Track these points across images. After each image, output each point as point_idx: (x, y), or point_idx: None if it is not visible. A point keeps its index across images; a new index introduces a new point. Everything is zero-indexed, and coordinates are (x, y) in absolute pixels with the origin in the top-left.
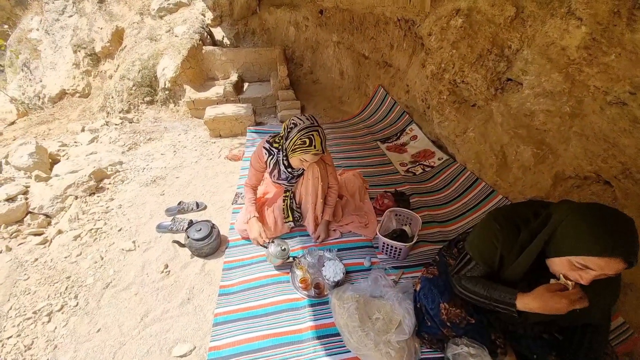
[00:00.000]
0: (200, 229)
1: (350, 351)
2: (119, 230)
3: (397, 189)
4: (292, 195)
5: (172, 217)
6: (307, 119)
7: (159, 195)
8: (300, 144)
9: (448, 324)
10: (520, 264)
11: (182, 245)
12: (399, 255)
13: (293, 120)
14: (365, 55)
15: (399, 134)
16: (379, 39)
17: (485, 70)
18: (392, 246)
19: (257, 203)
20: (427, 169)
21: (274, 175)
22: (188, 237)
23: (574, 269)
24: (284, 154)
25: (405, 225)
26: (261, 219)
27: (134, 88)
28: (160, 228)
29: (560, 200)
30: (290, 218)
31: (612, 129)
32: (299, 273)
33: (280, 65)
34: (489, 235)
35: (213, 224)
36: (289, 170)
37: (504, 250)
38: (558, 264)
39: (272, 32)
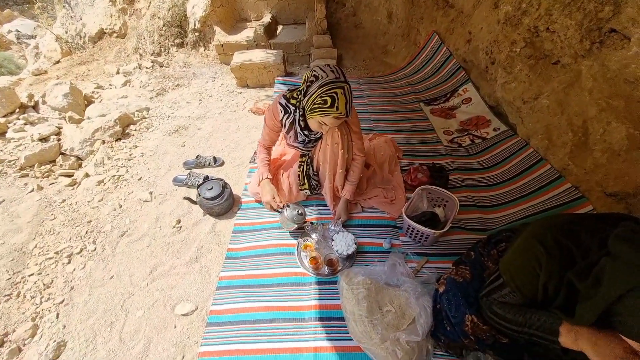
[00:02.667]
0: (212, 188)
1: (352, 339)
2: (139, 179)
3: (436, 163)
4: (309, 160)
5: (189, 170)
6: (333, 71)
7: (179, 146)
8: (320, 104)
9: (472, 337)
10: (579, 315)
11: (194, 202)
12: (425, 240)
13: (315, 71)
14: None
15: (448, 95)
16: None
17: (582, 15)
18: (417, 230)
19: (270, 164)
20: (478, 141)
21: (289, 137)
22: (199, 195)
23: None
24: (300, 112)
25: (439, 206)
26: (275, 182)
27: (164, 28)
28: (176, 181)
29: (625, 233)
30: (306, 186)
31: None
32: (305, 254)
33: (318, 4)
34: (529, 260)
35: (225, 183)
36: (306, 132)
37: (550, 284)
38: (633, 344)
39: None
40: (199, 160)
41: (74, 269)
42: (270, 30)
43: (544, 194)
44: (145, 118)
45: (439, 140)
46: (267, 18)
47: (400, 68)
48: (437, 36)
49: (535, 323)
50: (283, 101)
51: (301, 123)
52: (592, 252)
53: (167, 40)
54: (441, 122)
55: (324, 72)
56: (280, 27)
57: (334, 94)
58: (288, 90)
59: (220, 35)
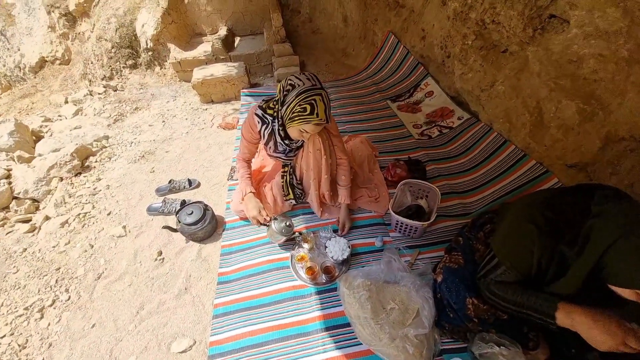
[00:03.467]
0: (192, 212)
1: (362, 343)
2: (109, 214)
3: (411, 156)
4: (291, 170)
5: (163, 197)
6: (308, 78)
7: (148, 173)
8: (300, 112)
9: (475, 320)
10: (568, 283)
11: (174, 230)
12: (414, 233)
13: (290, 80)
14: None
15: (412, 90)
16: None
17: (523, 5)
18: (406, 224)
19: (252, 178)
20: (445, 131)
21: (269, 148)
22: (179, 222)
23: None
24: (279, 122)
25: (422, 198)
26: (258, 196)
27: (113, 50)
28: (150, 210)
29: (603, 199)
30: (291, 195)
31: None
32: (301, 265)
33: (274, 13)
34: (523, 239)
35: (206, 206)
36: (287, 142)
37: (544, 258)
38: (627, 293)
39: None
40: (172, 185)
41: (49, 324)
42: (228, 43)
43: (513, 173)
44: (106, 147)
45: (410, 134)
46: (223, 31)
47: (362, 69)
48: (393, 36)
49: (533, 305)
50: (259, 112)
51: (281, 133)
52: (577, 222)
53: (118, 63)
54: (409, 116)
55: (300, 80)
56: (237, 39)
57: (313, 101)
58: (263, 100)
59: (176, 52)
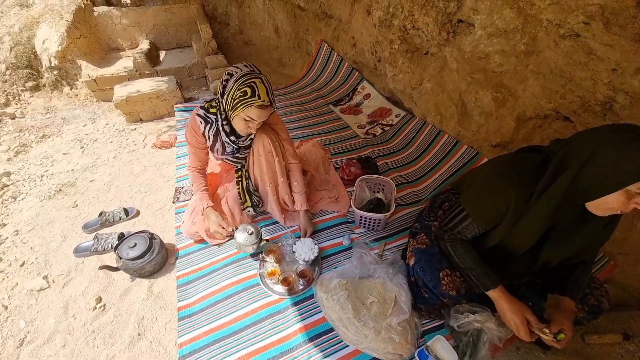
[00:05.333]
0: (136, 244)
1: (348, 345)
2: (22, 265)
3: (361, 155)
4: (246, 174)
5: (94, 233)
6: (246, 66)
7: (70, 208)
8: (240, 96)
9: (450, 293)
10: (535, 220)
11: (115, 269)
12: (378, 225)
13: (228, 70)
14: (301, 6)
15: (351, 94)
16: None
17: (436, 12)
18: (369, 218)
19: (209, 188)
20: (387, 128)
21: (216, 150)
22: (121, 258)
23: (631, 197)
24: (223, 116)
25: (378, 192)
26: (217, 208)
27: (8, 72)
28: (79, 252)
29: (571, 137)
30: (249, 203)
31: (568, 63)
32: (273, 280)
33: (202, 25)
34: (498, 195)
35: (152, 234)
36: (232, 138)
37: (516, 209)
38: (609, 201)
39: None
40: (104, 218)
41: None
42: (152, 57)
43: (450, 158)
44: (8, 185)
45: (357, 134)
46: (144, 45)
47: (300, 77)
48: (326, 44)
49: (478, 275)
50: (201, 112)
51: (226, 128)
52: (547, 161)
53: (14, 86)
54: (352, 118)
55: (238, 68)
56: (163, 53)
57: (252, 84)
58: (205, 101)
59: (89, 70)
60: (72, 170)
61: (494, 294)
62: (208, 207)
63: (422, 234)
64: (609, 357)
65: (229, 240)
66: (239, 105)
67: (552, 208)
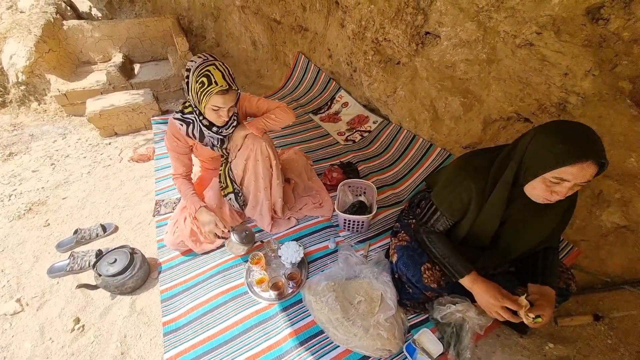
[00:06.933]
0: (116, 260)
1: (339, 346)
2: None
3: (342, 160)
4: (229, 165)
5: (70, 252)
6: (200, 57)
7: (41, 228)
8: (200, 88)
9: (432, 286)
10: (494, 204)
11: (94, 287)
12: (362, 227)
13: (186, 67)
14: (277, 19)
15: (329, 103)
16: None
17: (405, 25)
18: (353, 220)
19: (197, 192)
20: (365, 134)
21: (210, 144)
22: (100, 275)
23: (550, 185)
24: (197, 112)
25: (361, 195)
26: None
27: None
28: (53, 272)
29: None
30: (230, 189)
31: (524, 69)
32: (261, 287)
33: (178, 38)
34: (459, 187)
35: (133, 249)
36: (215, 130)
37: (477, 198)
38: (535, 187)
39: None
40: (79, 236)
41: None
42: (126, 70)
43: (426, 160)
44: None
45: (337, 141)
46: (118, 58)
47: (279, 88)
48: (303, 56)
49: (452, 262)
50: (178, 116)
51: (204, 122)
52: (505, 155)
53: None
54: (332, 126)
55: (193, 61)
56: (137, 66)
57: (207, 72)
58: (180, 104)
59: (58, 84)
60: (43, 188)
61: (468, 281)
62: (201, 207)
63: (403, 232)
64: (581, 338)
65: (219, 248)
66: (201, 97)
67: (507, 189)
